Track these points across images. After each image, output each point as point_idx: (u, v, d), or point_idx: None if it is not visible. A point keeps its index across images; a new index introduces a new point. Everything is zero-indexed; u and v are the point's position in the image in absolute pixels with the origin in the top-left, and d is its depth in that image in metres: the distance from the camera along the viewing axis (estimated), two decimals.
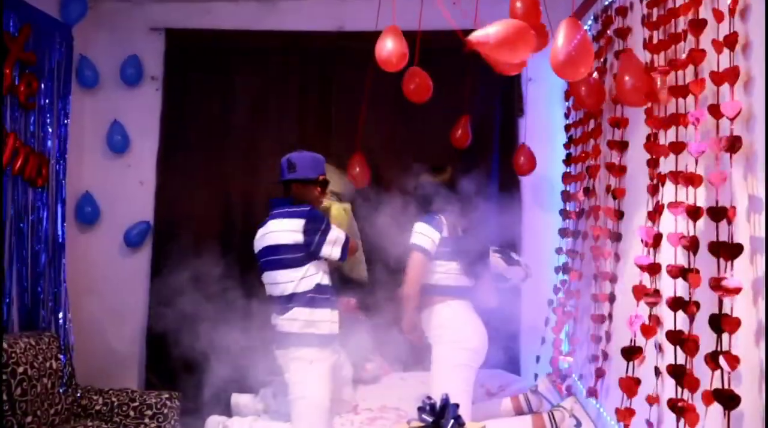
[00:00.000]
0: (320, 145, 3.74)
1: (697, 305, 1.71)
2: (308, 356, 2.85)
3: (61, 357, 3.19)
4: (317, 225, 2.86)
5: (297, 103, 3.97)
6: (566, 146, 3.52)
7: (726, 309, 1.63)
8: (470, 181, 3.17)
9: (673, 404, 1.66)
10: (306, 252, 2.86)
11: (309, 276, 2.88)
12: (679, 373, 1.70)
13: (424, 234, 2.90)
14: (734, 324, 1.53)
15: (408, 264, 2.90)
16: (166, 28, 4.00)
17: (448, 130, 3.69)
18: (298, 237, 2.84)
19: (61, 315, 3.46)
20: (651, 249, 2.08)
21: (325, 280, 2.93)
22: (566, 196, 3.41)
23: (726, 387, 1.53)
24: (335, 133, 3.93)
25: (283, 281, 2.88)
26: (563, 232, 3.43)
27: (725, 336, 1.60)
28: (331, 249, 2.88)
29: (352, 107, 3.81)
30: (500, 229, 3.62)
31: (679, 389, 1.75)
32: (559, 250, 3.44)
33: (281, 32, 3.97)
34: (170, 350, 3.77)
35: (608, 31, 2.93)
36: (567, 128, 3.56)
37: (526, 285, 3.76)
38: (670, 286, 1.92)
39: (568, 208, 3.43)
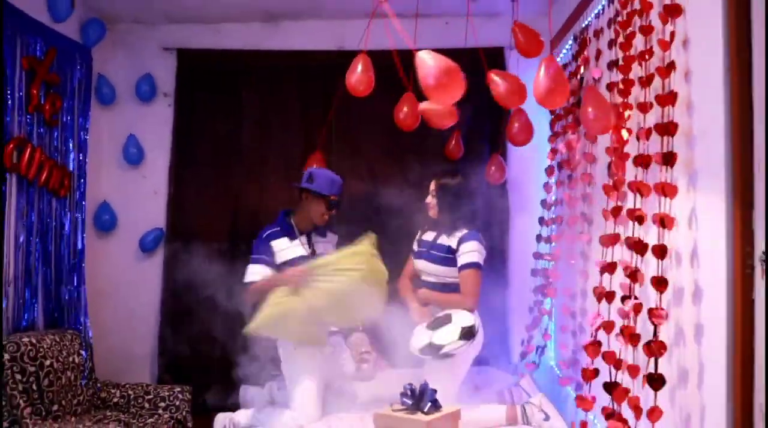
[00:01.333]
0: (322, 159, 4.00)
1: (636, 299, 1.96)
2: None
3: (82, 353, 3.46)
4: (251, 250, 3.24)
5: (300, 118, 4.20)
6: (549, 157, 3.76)
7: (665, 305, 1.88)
8: (466, 190, 3.39)
9: (606, 385, 1.91)
10: None
11: None
12: (614, 361, 1.96)
13: (478, 252, 3.12)
14: (660, 316, 1.78)
15: (468, 281, 3.08)
16: (178, 47, 4.24)
17: (443, 141, 3.92)
18: None
19: (81, 314, 3.73)
20: (611, 252, 2.33)
21: None
22: (544, 204, 3.65)
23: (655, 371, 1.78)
24: (336, 147, 4.15)
25: None
26: (540, 238, 3.65)
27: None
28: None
29: (352, 121, 4.08)
30: (492, 235, 3.87)
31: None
32: (536, 255, 3.66)
33: (285, 51, 4.20)
34: (181, 347, 4.06)
35: (585, 52, 3.19)
36: (551, 139, 3.79)
37: (515, 287, 4.01)
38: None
39: (545, 216, 3.65)
